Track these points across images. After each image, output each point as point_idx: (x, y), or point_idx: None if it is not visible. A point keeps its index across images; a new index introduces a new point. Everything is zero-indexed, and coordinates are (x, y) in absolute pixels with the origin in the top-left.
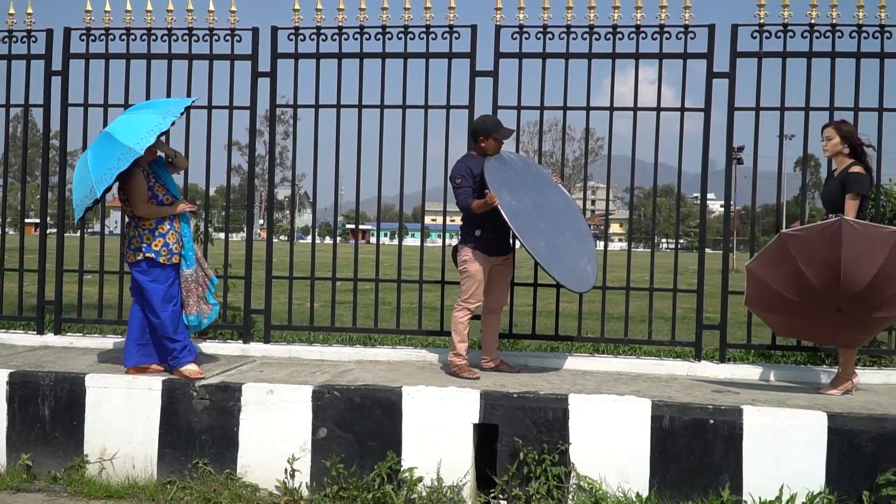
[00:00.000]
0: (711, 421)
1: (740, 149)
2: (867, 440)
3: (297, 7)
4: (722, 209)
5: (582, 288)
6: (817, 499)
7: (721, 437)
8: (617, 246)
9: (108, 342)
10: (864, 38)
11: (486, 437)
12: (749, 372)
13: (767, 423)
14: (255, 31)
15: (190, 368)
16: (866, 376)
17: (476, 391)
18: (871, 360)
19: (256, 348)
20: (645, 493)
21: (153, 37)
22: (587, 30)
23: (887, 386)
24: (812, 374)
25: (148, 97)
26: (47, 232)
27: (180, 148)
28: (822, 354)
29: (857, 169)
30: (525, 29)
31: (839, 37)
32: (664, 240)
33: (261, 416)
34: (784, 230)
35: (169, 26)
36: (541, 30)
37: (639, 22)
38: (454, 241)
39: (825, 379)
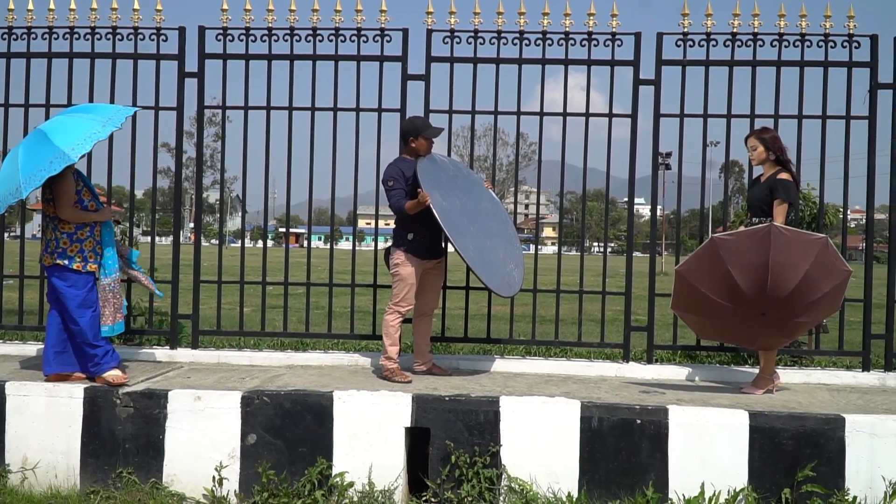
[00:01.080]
0: (638, 421)
1: (668, 154)
2: (788, 438)
3: (225, 7)
4: (650, 213)
5: (508, 292)
6: (739, 495)
7: (648, 436)
8: (550, 249)
9: (31, 349)
10: (785, 46)
11: (418, 440)
12: (675, 372)
13: (692, 423)
14: (182, 30)
15: (113, 374)
16: (787, 376)
17: (408, 395)
18: (793, 361)
19: (184, 354)
20: (575, 494)
21: (76, 35)
22: (517, 35)
23: (807, 385)
24: (735, 374)
25: (69, 98)
26: None
27: (104, 149)
28: (744, 355)
29: (785, 176)
30: (456, 33)
31: (760, 45)
32: (595, 243)
33: (188, 424)
34: (715, 234)
35: (93, 24)
36: (472, 34)
37: (568, 29)
38: (388, 244)
39: (748, 379)
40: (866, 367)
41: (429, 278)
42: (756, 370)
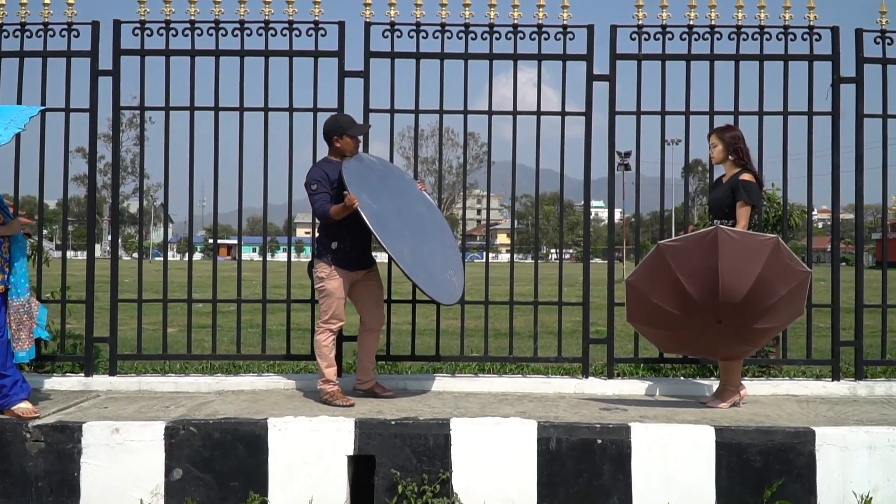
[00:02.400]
0: (599, 440)
1: (626, 154)
2: (756, 454)
3: None
4: (608, 217)
5: (449, 300)
6: None
7: (609, 456)
8: (506, 258)
9: None
10: (744, 39)
11: (362, 469)
12: (637, 387)
13: (655, 440)
14: (96, 24)
15: (22, 407)
16: (754, 387)
17: (350, 420)
18: (760, 371)
19: (100, 381)
20: None
21: None
22: (462, 28)
23: (775, 397)
24: (700, 387)
25: None
26: None
27: (10, 154)
28: (710, 367)
29: (747, 177)
30: (397, 27)
31: (718, 39)
32: (553, 250)
33: (105, 459)
34: (661, 241)
35: None
36: (414, 27)
37: (516, 21)
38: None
39: (713, 392)
40: (836, 376)
41: (361, 291)
42: None
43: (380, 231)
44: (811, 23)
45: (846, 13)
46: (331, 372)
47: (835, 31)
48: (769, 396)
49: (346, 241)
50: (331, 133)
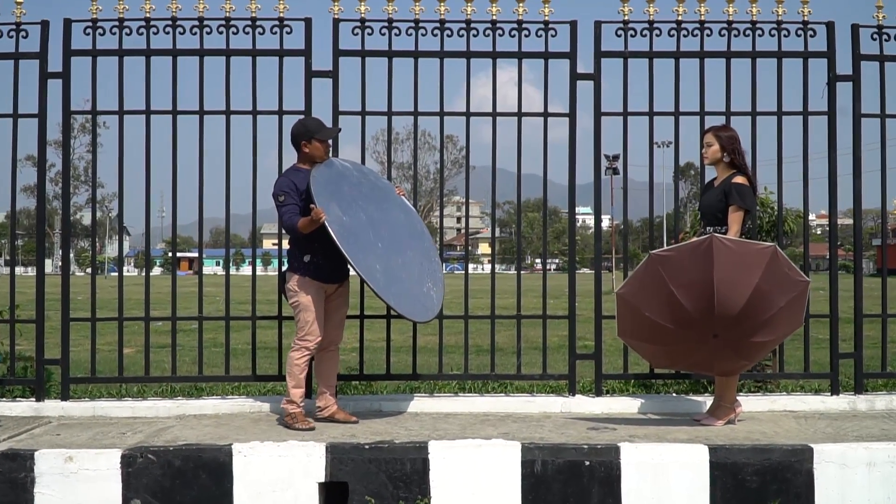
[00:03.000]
0: (587, 462)
1: (615, 157)
2: (752, 473)
3: None
4: (594, 224)
5: (424, 317)
6: None
7: (598, 479)
8: (489, 268)
9: None
10: (735, 36)
11: (334, 497)
12: (627, 405)
13: (646, 461)
14: (45, 24)
15: None
16: (750, 403)
17: (321, 444)
18: (756, 386)
19: (53, 406)
20: None
21: None
22: (437, 25)
23: (772, 413)
24: (694, 403)
25: None
26: None
27: None
28: (704, 382)
29: (740, 180)
30: (368, 23)
31: (708, 35)
32: (538, 260)
33: (59, 488)
34: (653, 250)
35: None
36: (386, 24)
37: (495, 17)
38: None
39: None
40: (835, 390)
41: (330, 306)
42: None
43: (349, 247)
44: (805, 18)
45: (842, 8)
46: (297, 393)
47: (830, 26)
48: (766, 413)
49: (318, 254)
50: (298, 138)
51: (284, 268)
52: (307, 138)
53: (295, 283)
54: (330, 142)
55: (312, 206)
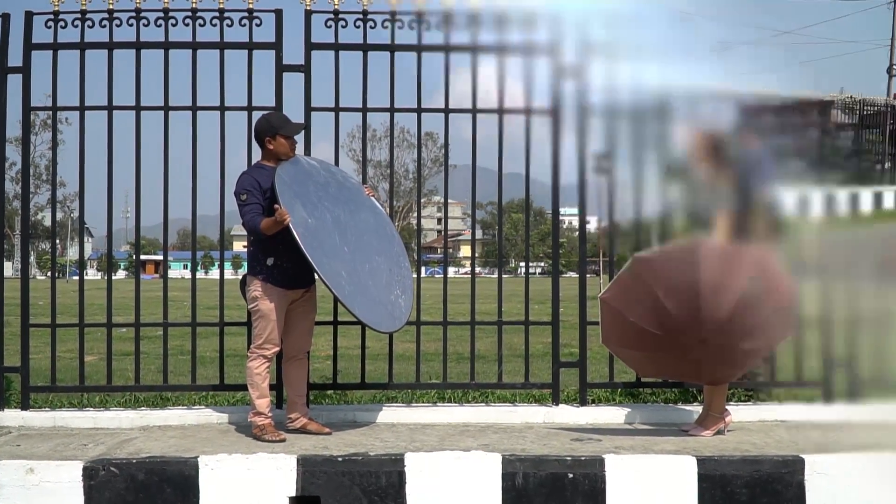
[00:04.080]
0: (571, 475)
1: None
2: (741, 486)
3: None
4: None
5: (391, 326)
6: None
7: (582, 492)
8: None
9: None
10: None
11: None
12: (613, 415)
13: (632, 473)
14: (6, 17)
15: None
16: (740, 413)
17: (292, 457)
18: (747, 395)
19: (12, 416)
20: None
21: None
22: (415, 17)
23: (762, 423)
24: (682, 413)
25: None
26: None
27: None
28: (693, 391)
29: None
30: (342, 15)
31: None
32: (522, 263)
33: (20, 501)
34: (637, 253)
35: None
36: (360, 16)
37: (476, 11)
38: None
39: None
40: (827, 398)
41: (296, 312)
42: None
43: (313, 251)
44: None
45: None
46: (263, 403)
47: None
48: (756, 422)
49: (283, 257)
50: (262, 134)
51: (243, 271)
52: (271, 134)
53: (258, 288)
54: (296, 138)
55: (277, 206)
